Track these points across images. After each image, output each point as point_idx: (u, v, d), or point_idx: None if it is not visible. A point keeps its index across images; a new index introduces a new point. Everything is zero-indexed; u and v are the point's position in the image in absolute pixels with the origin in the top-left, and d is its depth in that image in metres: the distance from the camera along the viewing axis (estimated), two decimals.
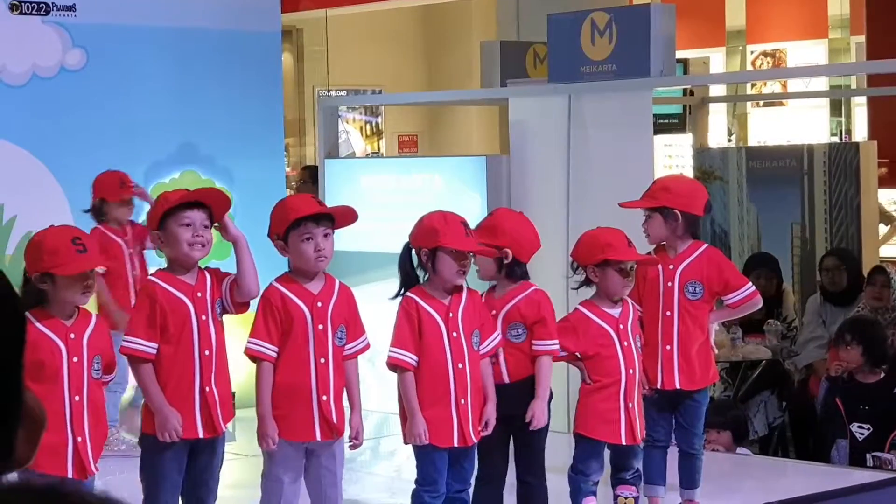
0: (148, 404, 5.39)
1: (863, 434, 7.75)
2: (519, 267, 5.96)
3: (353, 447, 5.73)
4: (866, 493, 4.63)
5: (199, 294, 5.42)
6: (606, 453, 6.13)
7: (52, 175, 8.59)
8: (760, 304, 6.74)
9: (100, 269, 5.74)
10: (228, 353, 5.65)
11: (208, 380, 5.40)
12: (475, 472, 5.91)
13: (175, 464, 5.35)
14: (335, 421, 5.53)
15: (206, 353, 5.41)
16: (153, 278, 5.51)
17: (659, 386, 6.27)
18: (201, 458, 5.46)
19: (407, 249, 5.78)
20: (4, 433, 1.28)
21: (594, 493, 6.08)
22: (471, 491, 5.88)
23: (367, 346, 5.71)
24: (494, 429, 5.79)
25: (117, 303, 7.56)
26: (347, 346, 5.61)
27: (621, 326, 6.03)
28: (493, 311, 5.90)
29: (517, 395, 5.88)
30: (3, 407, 1.27)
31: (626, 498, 6.16)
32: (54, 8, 8.66)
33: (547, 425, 5.91)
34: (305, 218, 5.43)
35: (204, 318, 5.40)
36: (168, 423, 5.27)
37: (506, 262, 5.90)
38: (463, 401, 5.68)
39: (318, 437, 5.54)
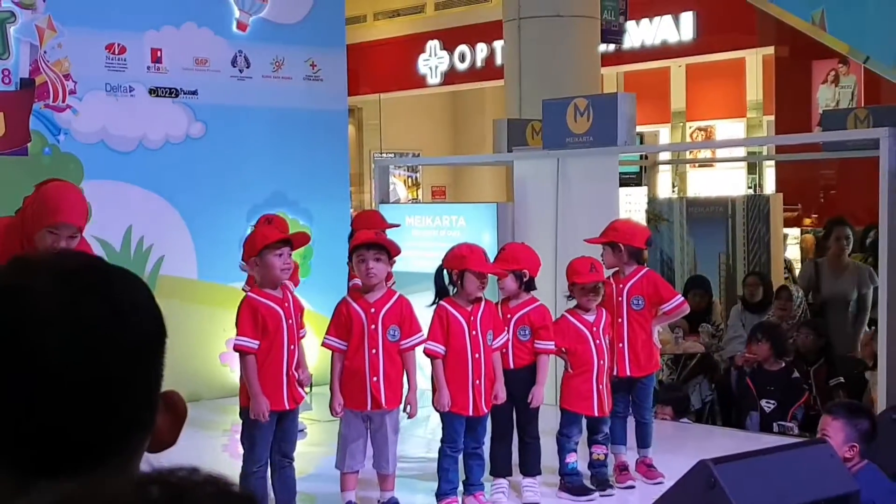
0: (247, 389, 5.37)
1: (770, 408, 7.70)
2: (532, 284, 5.99)
3: (410, 417, 5.69)
4: (780, 452, 4.58)
5: (286, 305, 5.41)
6: (584, 423, 6.14)
7: (178, 214, 8.63)
8: (688, 311, 6.73)
9: None
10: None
11: (292, 365, 5.40)
12: (488, 434, 5.91)
13: (268, 427, 5.34)
14: (382, 398, 5.51)
15: (291, 347, 5.40)
16: (253, 294, 5.43)
17: (616, 373, 6.26)
18: (286, 422, 5.45)
19: (440, 270, 5.80)
20: (142, 430, 1.20)
21: (575, 451, 6.07)
22: (484, 448, 5.87)
23: (423, 341, 5.66)
24: (505, 402, 5.81)
25: None
26: (403, 342, 5.57)
27: (594, 329, 6.04)
28: (508, 316, 5.92)
29: (521, 378, 5.90)
30: (141, 405, 1.19)
31: (598, 455, 6.15)
32: (182, 92, 8.70)
33: None
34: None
35: (290, 321, 5.40)
36: (259, 408, 5.27)
37: (525, 280, 5.93)
38: (477, 381, 5.68)
39: (370, 408, 5.53)
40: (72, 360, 1.12)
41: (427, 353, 5.68)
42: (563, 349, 6.03)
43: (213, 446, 7.25)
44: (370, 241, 5.55)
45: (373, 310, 5.52)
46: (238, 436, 5.63)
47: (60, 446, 1.12)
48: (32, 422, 1.11)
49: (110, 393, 1.14)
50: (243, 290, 6.55)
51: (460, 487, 5.79)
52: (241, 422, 5.48)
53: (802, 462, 4.55)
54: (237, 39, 9.00)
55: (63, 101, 8.07)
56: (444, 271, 5.78)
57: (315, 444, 7.07)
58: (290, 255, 5.43)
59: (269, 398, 5.28)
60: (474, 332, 5.67)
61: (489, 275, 5.81)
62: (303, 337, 5.55)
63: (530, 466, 5.99)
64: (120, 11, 8.32)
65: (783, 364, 7.84)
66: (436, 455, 5.85)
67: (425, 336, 5.68)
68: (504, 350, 5.89)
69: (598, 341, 6.02)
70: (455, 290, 5.74)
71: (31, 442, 1.12)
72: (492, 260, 6.02)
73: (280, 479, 5.44)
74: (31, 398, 1.11)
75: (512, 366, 5.90)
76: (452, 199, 18.93)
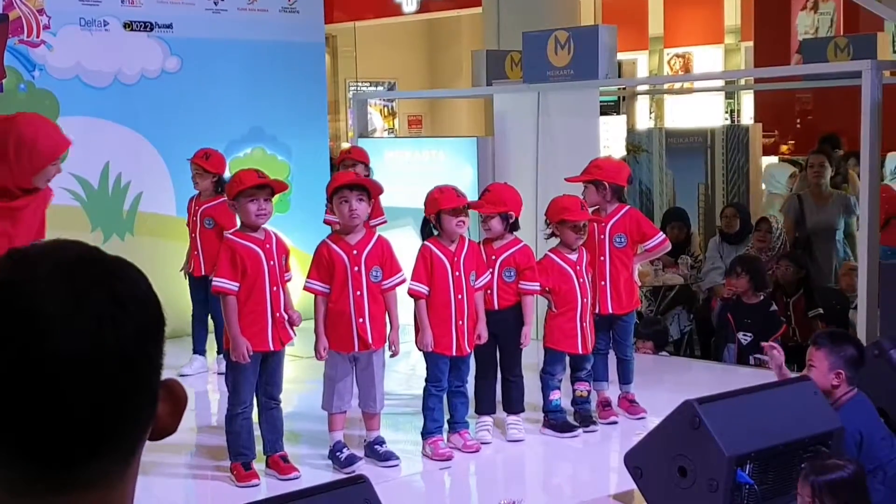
0: (226, 331, 5.38)
1: (746, 340, 7.76)
2: (516, 224, 6.00)
3: (393, 355, 5.72)
4: (764, 391, 4.64)
5: (267, 246, 5.39)
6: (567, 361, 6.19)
7: (155, 151, 8.58)
8: (669, 248, 6.79)
9: None
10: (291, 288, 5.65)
11: (277, 307, 5.40)
12: (471, 372, 5.95)
13: (251, 368, 5.36)
14: (369, 338, 5.52)
15: (275, 288, 5.38)
16: (231, 236, 5.41)
17: (597, 311, 6.29)
18: (271, 364, 5.47)
19: (425, 221, 5.82)
20: (143, 421, 1.22)
21: (559, 388, 6.13)
22: (468, 386, 5.92)
23: (403, 281, 5.66)
24: (487, 341, 5.84)
25: None
26: (385, 282, 5.57)
27: (578, 268, 6.06)
28: (493, 257, 5.93)
29: (505, 318, 5.94)
30: (143, 398, 1.21)
31: (581, 392, 6.21)
32: (156, 26, 8.59)
33: None
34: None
35: (272, 263, 5.38)
36: (239, 350, 5.28)
37: (510, 221, 5.93)
38: (461, 322, 5.71)
39: (357, 349, 5.54)
40: (77, 354, 1.13)
41: (411, 293, 5.70)
42: (547, 289, 6.05)
43: (195, 383, 7.27)
44: (353, 182, 5.52)
45: (354, 252, 5.51)
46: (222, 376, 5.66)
47: (68, 439, 1.15)
48: (39, 416, 1.13)
49: (115, 385, 1.16)
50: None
51: (445, 426, 5.84)
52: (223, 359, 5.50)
53: (786, 400, 4.61)
54: None
55: (37, 37, 7.97)
56: (429, 222, 5.78)
57: (299, 380, 7.11)
58: (269, 200, 5.37)
59: (252, 339, 5.28)
60: (457, 273, 5.69)
61: (470, 212, 5.80)
62: (288, 280, 5.54)
63: (514, 404, 6.05)
64: None
65: (761, 297, 7.90)
66: (417, 391, 5.90)
67: (406, 276, 5.69)
68: (488, 290, 5.92)
69: (581, 280, 6.05)
70: (438, 234, 5.76)
71: (39, 435, 1.14)
72: (476, 198, 6.03)
73: (266, 420, 5.47)
74: (36, 392, 1.13)
75: (496, 306, 5.93)
76: (429, 129, 18.85)
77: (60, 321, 1.13)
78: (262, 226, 5.41)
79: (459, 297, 5.69)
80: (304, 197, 8.98)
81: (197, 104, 8.68)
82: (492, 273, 5.91)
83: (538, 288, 5.99)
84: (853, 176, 9.81)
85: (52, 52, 8.05)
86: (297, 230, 8.89)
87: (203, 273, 7.23)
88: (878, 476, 4.58)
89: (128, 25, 8.44)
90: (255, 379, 5.39)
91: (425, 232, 5.83)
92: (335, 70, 18.36)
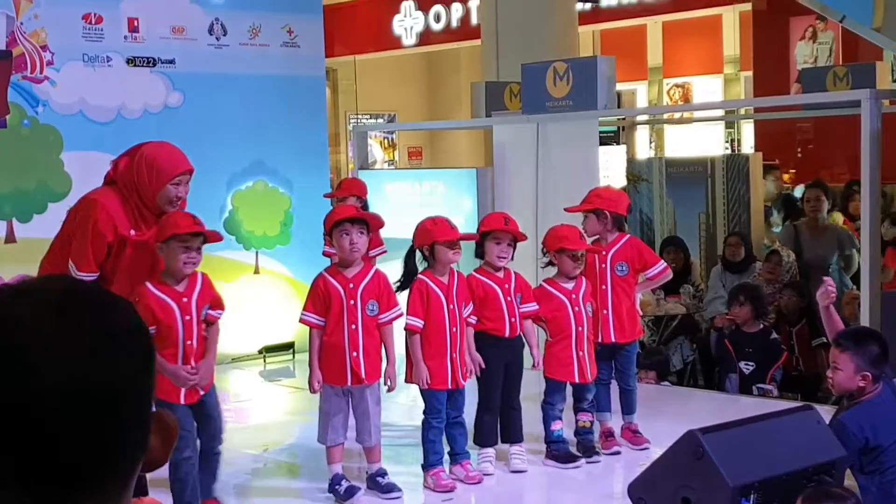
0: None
1: (749, 369, 7.77)
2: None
3: (389, 390, 5.69)
4: (767, 420, 4.63)
5: (184, 300, 5.09)
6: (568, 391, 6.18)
7: None
8: (671, 277, 6.80)
9: None
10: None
11: (188, 361, 5.04)
12: (465, 402, 5.92)
13: (182, 417, 5.01)
14: (362, 373, 5.49)
15: (188, 342, 5.06)
16: (148, 286, 5.05)
17: (600, 340, 6.29)
18: (198, 414, 5.17)
19: (411, 251, 5.79)
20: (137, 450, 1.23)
21: (560, 418, 6.12)
22: (464, 416, 5.89)
23: (400, 315, 5.64)
24: (496, 370, 5.86)
25: None
26: (382, 316, 5.56)
27: (573, 296, 6.06)
28: (507, 285, 5.95)
29: (513, 346, 5.98)
30: (136, 431, 1.21)
31: (584, 422, 6.21)
32: (159, 61, 8.64)
33: None
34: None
35: (188, 318, 5.06)
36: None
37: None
38: (455, 354, 5.71)
39: (350, 383, 5.51)
40: (70, 388, 1.14)
41: (407, 328, 5.68)
42: (542, 318, 6.07)
43: None
44: (353, 217, 5.54)
45: (351, 285, 5.50)
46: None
47: (61, 472, 1.15)
48: (32, 449, 1.14)
49: (108, 418, 1.17)
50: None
51: (446, 457, 5.83)
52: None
53: (789, 429, 4.61)
54: (213, 7, 8.94)
55: (41, 73, 8.01)
56: (416, 251, 5.76)
57: (299, 412, 7.10)
58: (200, 250, 5.09)
59: (166, 392, 4.99)
60: (451, 306, 5.69)
61: (461, 243, 5.79)
62: (216, 318, 5.22)
63: (516, 434, 6.05)
64: None
65: (762, 325, 7.91)
66: (418, 423, 5.88)
67: (402, 310, 5.68)
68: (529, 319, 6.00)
69: (576, 308, 6.05)
70: (427, 265, 5.75)
71: (32, 469, 1.14)
72: (475, 230, 6.05)
73: (204, 466, 5.19)
74: (29, 427, 1.14)
75: (508, 334, 5.94)
76: (429, 160, 18.92)
77: (50, 354, 1.15)
78: (187, 274, 5.08)
79: (454, 329, 5.70)
80: (305, 229, 9.00)
81: (199, 138, 8.67)
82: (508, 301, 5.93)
83: (536, 308, 6.01)
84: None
85: (55, 88, 8.10)
86: (297, 263, 8.92)
87: None
88: (874, 479, 4.59)
89: (131, 61, 8.50)
90: (189, 426, 5.08)
91: (409, 262, 5.80)
92: (336, 103, 18.46)
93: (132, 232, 5.21)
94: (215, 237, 5.23)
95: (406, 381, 5.80)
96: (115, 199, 5.23)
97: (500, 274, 5.91)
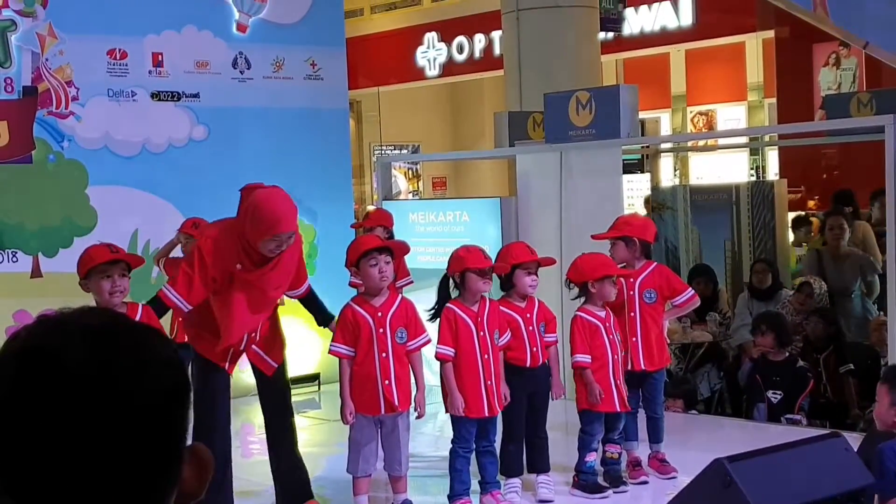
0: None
1: (776, 398, 7.72)
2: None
3: (418, 417, 5.70)
4: (795, 448, 4.59)
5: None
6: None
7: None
8: (699, 304, 6.77)
9: None
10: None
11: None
12: (497, 432, 5.92)
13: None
14: (395, 401, 5.52)
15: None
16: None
17: (629, 368, 6.26)
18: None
19: (444, 280, 5.81)
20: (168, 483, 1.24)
21: (596, 450, 6.07)
22: (496, 445, 5.88)
23: (428, 342, 5.67)
24: (521, 402, 5.85)
25: None
26: (410, 343, 5.58)
27: (607, 324, 6.05)
28: (528, 315, 5.95)
29: (538, 376, 5.96)
30: (167, 464, 1.23)
31: (612, 454, 6.17)
32: (184, 95, 8.71)
33: None
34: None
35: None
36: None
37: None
38: (489, 382, 5.70)
39: (383, 412, 5.54)
40: (104, 420, 1.16)
41: (438, 356, 5.69)
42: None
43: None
44: (380, 246, 5.56)
45: (379, 314, 5.53)
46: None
47: (87, 501, 1.16)
48: (68, 477, 1.15)
49: (141, 450, 1.19)
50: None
51: (473, 486, 5.81)
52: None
53: (817, 457, 4.56)
54: (237, 41, 9.01)
55: (66, 108, 8.09)
56: (450, 279, 5.78)
57: (326, 444, 7.10)
58: (125, 275, 5.07)
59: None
60: (482, 333, 5.69)
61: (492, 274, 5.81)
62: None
63: (543, 463, 6.02)
64: (120, 16, 8.34)
65: (787, 354, 7.86)
66: (445, 453, 5.87)
67: (430, 336, 5.70)
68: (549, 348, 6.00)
69: (611, 336, 6.03)
70: (458, 293, 5.76)
71: (56, 497, 1.16)
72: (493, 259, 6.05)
73: None
74: (63, 458, 1.15)
75: (529, 364, 5.93)
76: (453, 190, 18.95)
77: (86, 384, 1.16)
78: (119, 304, 5.04)
79: (486, 357, 5.69)
80: (331, 260, 9.01)
81: (224, 171, 8.75)
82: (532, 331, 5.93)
83: (556, 337, 6.00)
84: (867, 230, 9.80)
85: (80, 123, 8.17)
86: (322, 294, 8.88)
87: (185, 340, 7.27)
88: None
89: (155, 95, 8.57)
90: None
91: (443, 290, 5.84)
92: (360, 134, 18.54)
93: (238, 266, 5.25)
94: (137, 261, 5.22)
95: (446, 412, 5.79)
96: (231, 232, 5.28)
97: (523, 304, 5.91)
